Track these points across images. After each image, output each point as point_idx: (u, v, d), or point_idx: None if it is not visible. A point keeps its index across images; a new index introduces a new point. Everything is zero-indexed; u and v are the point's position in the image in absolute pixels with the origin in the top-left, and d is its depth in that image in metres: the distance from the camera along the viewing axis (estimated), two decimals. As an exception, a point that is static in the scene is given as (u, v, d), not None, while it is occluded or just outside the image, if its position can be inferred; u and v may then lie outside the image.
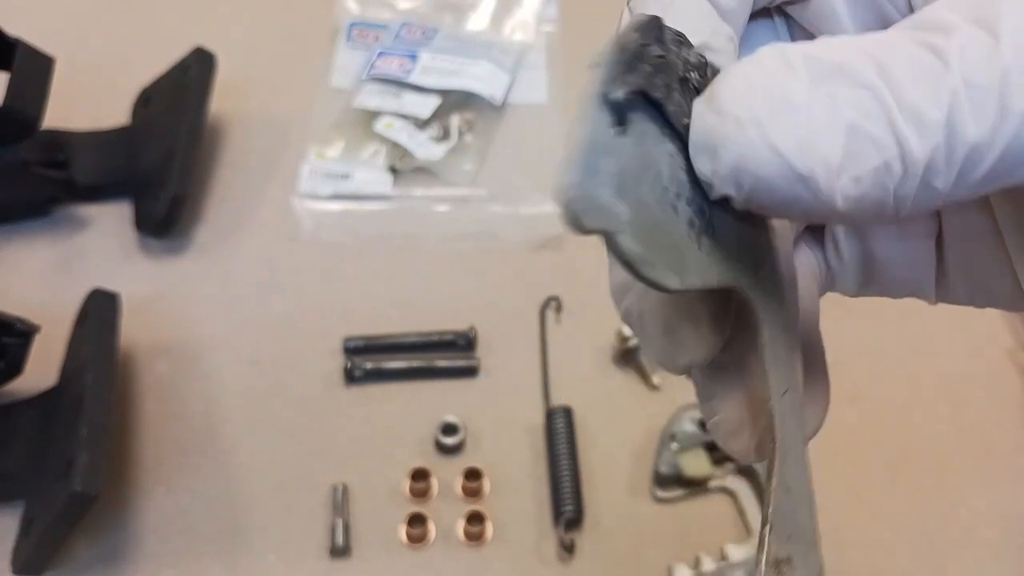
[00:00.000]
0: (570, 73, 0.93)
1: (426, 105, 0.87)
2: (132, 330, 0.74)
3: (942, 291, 0.33)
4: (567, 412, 0.71)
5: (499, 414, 0.72)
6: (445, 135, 0.87)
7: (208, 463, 0.70)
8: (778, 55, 0.25)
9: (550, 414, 0.71)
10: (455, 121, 0.87)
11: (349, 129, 0.87)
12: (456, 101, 0.89)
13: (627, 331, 0.74)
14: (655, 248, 0.24)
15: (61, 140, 0.84)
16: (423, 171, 0.85)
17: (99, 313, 0.70)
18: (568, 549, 0.66)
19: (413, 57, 0.91)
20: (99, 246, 0.82)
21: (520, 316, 0.77)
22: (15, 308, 0.70)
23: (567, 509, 0.67)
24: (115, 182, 0.84)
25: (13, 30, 0.76)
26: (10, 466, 0.67)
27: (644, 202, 0.24)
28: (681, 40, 0.26)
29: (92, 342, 0.69)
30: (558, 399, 0.72)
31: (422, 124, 0.87)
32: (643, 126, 0.25)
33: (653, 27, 0.26)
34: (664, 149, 0.25)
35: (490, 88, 0.89)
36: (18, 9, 0.92)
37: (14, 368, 0.69)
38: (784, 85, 0.24)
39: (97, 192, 0.84)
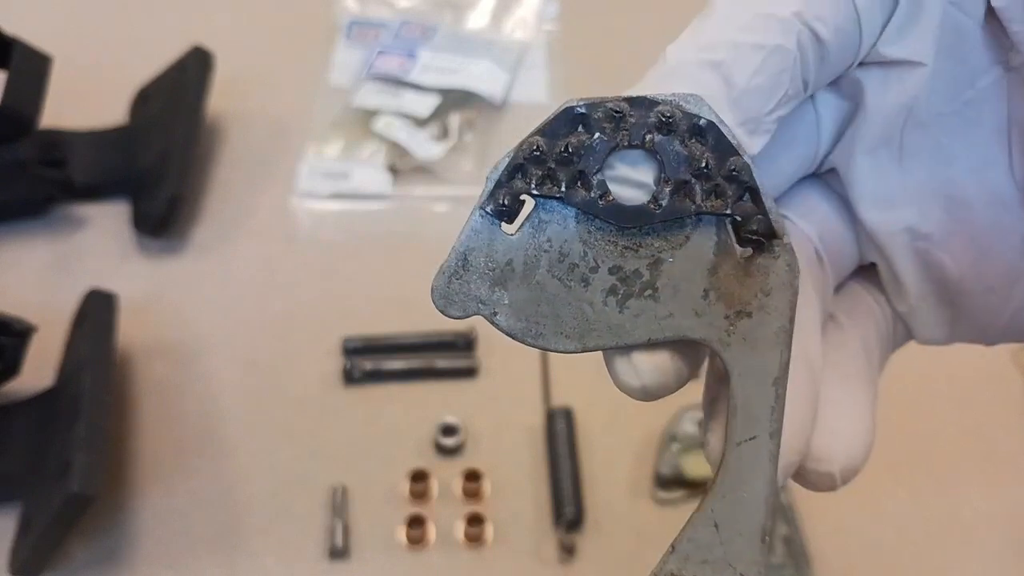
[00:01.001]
0: (570, 72, 0.93)
1: (426, 104, 0.87)
2: (130, 330, 0.74)
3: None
4: (567, 413, 0.71)
5: (499, 415, 0.72)
6: (445, 134, 0.86)
7: (206, 464, 0.70)
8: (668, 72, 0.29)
9: (550, 415, 0.71)
10: (455, 120, 0.87)
11: (348, 128, 0.87)
12: (456, 100, 0.89)
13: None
14: (547, 320, 0.29)
15: (58, 139, 0.84)
16: (422, 170, 0.85)
17: (97, 313, 0.70)
18: (568, 551, 0.66)
19: (413, 56, 0.91)
20: (96, 246, 0.81)
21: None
22: (12, 308, 0.69)
23: (567, 511, 0.67)
24: (113, 181, 0.84)
25: (10, 29, 0.76)
26: (7, 467, 0.67)
27: (537, 282, 0.29)
28: (619, 112, 0.28)
29: (90, 342, 0.68)
30: (558, 400, 0.72)
31: (422, 123, 0.87)
32: (547, 215, 0.29)
33: (565, 118, 0.28)
34: (578, 230, 0.29)
35: (490, 87, 0.89)
36: (16, 8, 0.92)
37: (11, 368, 0.68)
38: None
39: (94, 191, 0.83)
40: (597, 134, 0.28)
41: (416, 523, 0.67)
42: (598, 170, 0.28)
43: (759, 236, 0.29)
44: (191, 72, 0.85)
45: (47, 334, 0.70)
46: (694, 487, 0.68)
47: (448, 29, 0.94)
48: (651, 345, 0.29)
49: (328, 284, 0.80)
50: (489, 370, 0.75)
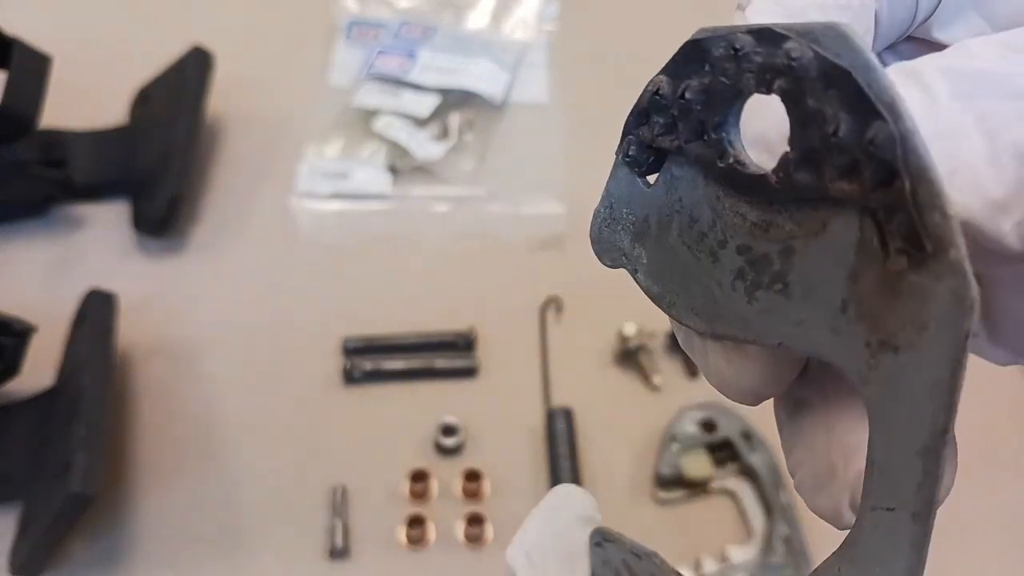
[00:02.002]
0: (571, 72, 0.92)
1: (425, 104, 0.87)
2: (130, 330, 0.73)
3: None
4: (567, 413, 0.71)
5: (499, 415, 0.72)
6: (444, 134, 0.86)
7: (206, 464, 0.70)
8: (909, 74, 0.21)
9: (550, 415, 0.71)
10: (455, 120, 0.87)
11: (348, 128, 0.87)
12: (456, 100, 0.89)
13: (628, 331, 0.73)
14: (678, 289, 0.26)
15: (58, 139, 0.83)
16: (422, 170, 0.85)
17: (96, 313, 0.70)
18: (568, 551, 0.66)
19: (412, 56, 0.91)
20: (96, 246, 0.81)
21: (520, 316, 0.77)
22: (12, 308, 0.69)
23: (567, 511, 0.66)
24: (113, 181, 0.83)
25: (11, 29, 0.76)
26: (7, 467, 0.67)
27: (670, 246, 0.25)
28: (739, 48, 0.22)
29: (89, 342, 0.68)
30: (558, 400, 0.72)
31: (421, 123, 0.87)
32: (678, 171, 0.25)
33: (689, 54, 0.23)
34: (707, 193, 0.24)
35: (490, 87, 0.89)
36: (16, 8, 0.92)
37: (11, 368, 0.68)
38: (924, 114, 0.20)
39: (94, 191, 0.83)
40: (719, 76, 0.23)
41: (416, 523, 0.67)
42: (720, 123, 0.23)
43: (907, 245, 0.20)
44: (191, 72, 0.85)
45: (47, 334, 0.70)
46: (694, 487, 0.68)
47: (448, 29, 0.94)
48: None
49: (328, 284, 0.79)
50: (489, 370, 0.75)
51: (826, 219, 0.21)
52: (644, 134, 0.25)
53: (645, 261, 0.26)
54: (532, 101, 0.91)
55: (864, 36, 0.24)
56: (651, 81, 0.25)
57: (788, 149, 0.21)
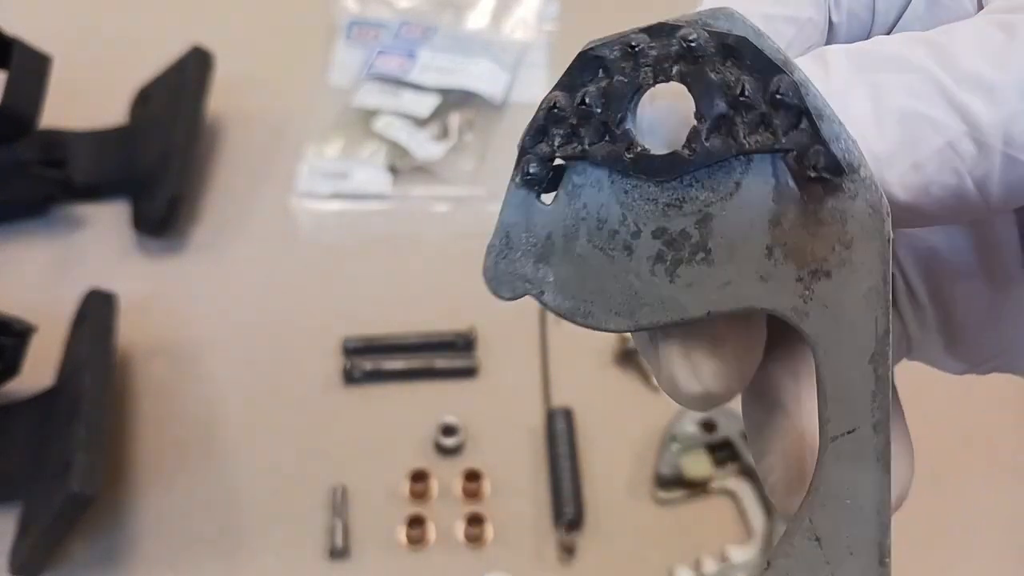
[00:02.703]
0: (570, 72, 0.92)
1: (425, 104, 0.87)
2: (130, 330, 0.73)
3: None
4: (567, 413, 0.71)
5: (499, 415, 0.72)
6: (445, 134, 0.86)
7: (206, 464, 0.70)
8: (814, 56, 0.23)
9: (550, 415, 0.71)
10: (455, 120, 0.87)
11: (348, 128, 0.87)
12: (456, 100, 0.88)
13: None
14: (594, 296, 0.25)
15: (58, 139, 0.83)
16: (422, 170, 0.85)
17: (96, 313, 0.70)
18: (568, 551, 0.66)
19: (412, 56, 0.91)
20: (96, 246, 0.81)
21: (520, 316, 0.77)
22: (12, 308, 0.69)
23: (567, 511, 0.67)
24: (113, 181, 0.83)
25: (10, 29, 0.76)
26: (7, 467, 0.67)
27: (578, 255, 0.26)
28: (634, 46, 0.24)
29: (89, 342, 0.68)
30: (558, 400, 0.72)
31: (421, 123, 0.86)
32: (579, 178, 0.26)
33: (581, 65, 0.25)
34: (614, 190, 0.25)
35: (490, 87, 0.89)
36: (16, 8, 0.92)
37: (11, 368, 0.68)
38: (818, 80, 0.22)
39: (94, 191, 0.83)
40: (616, 76, 0.24)
41: (416, 523, 0.67)
42: (622, 118, 0.24)
43: (824, 173, 0.22)
44: (191, 72, 0.84)
45: (47, 334, 0.70)
46: (694, 487, 0.68)
47: (448, 29, 0.94)
48: (709, 322, 0.24)
49: (328, 284, 0.79)
50: (489, 370, 0.74)
51: (739, 178, 0.24)
52: (543, 150, 0.26)
53: (552, 279, 0.26)
54: (532, 101, 0.89)
55: (811, 48, 0.25)
56: (544, 99, 0.26)
57: (694, 123, 0.24)
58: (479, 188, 0.84)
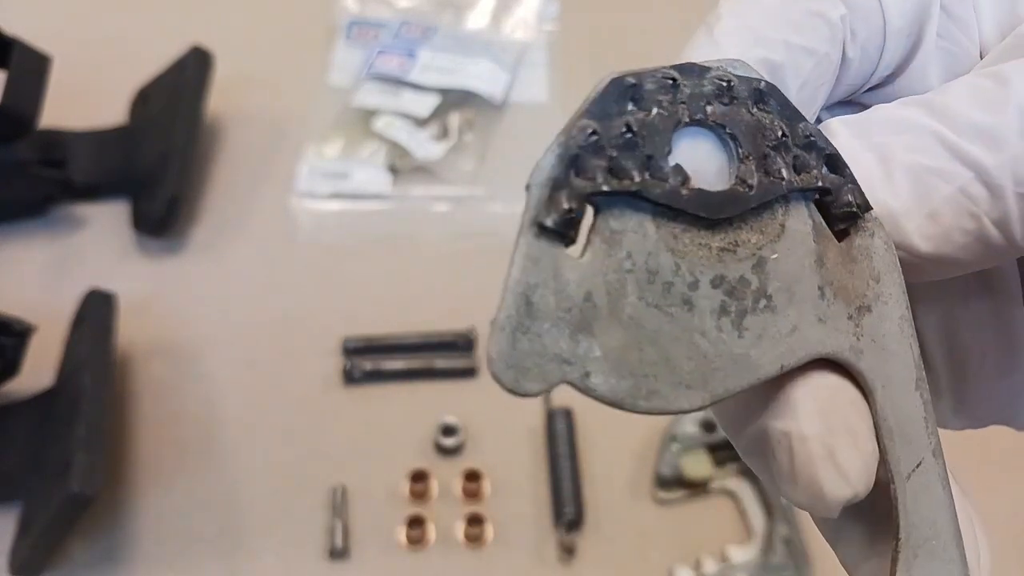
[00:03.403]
0: (571, 72, 0.92)
1: (425, 104, 0.87)
2: (129, 330, 0.73)
3: None
4: (567, 413, 0.71)
5: (499, 415, 0.72)
6: (444, 134, 0.86)
7: (206, 464, 0.70)
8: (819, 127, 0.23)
9: (550, 415, 0.71)
10: (455, 120, 0.87)
11: (348, 128, 0.87)
12: (456, 100, 0.88)
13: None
14: (657, 368, 0.21)
15: (58, 139, 0.83)
16: (422, 170, 0.85)
17: (96, 313, 0.70)
18: (569, 551, 0.66)
19: (412, 55, 0.90)
20: (96, 246, 0.81)
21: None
22: (11, 308, 0.69)
23: (567, 511, 0.67)
24: (112, 181, 0.83)
25: (10, 29, 0.76)
26: (7, 467, 0.67)
27: (629, 318, 0.21)
28: (673, 80, 0.22)
29: (89, 342, 0.68)
30: (558, 400, 0.72)
31: (421, 123, 0.86)
32: (618, 223, 0.21)
33: (615, 92, 0.22)
34: (661, 236, 0.22)
35: (490, 87, 0.89)
36: (15, 8, 0.92)
37: (11, 368, 0.68)
38: None
39: (94, 191, 0.83)
40: (655, 109, 0.22)
41: (416, 523, 0.67)
42: (668, 152, 0.22)
43: (856, 210, 0.23)
44: (191, 72, 0.84)
45: (47, 334, 0.70)
46: (694, 487, 0.68)
47: (448, 29, 0.94)
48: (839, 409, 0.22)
49: (328, 284, 0.79)
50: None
51: (783, 219, 0.23)
52: (579, 185, 0.21)
53: (599, 354, 0.21)
54: (532, 101, 0.91)
55: (823, 85, 0.25)
56: (572, 127, 0.22)
57: (739, 164, 0.22)
58: (479, 188, 0.84)
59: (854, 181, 0.23)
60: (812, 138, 0.23)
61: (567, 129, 0.22)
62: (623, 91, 0.22)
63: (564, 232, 0.21)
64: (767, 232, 0.22)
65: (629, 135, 0.21)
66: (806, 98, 0.24)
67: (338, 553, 0.66)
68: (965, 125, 0.22)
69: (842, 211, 0.23)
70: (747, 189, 0.22)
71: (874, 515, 0.24)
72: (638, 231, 0.21)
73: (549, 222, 0.21)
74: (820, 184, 0.23)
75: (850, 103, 0.27)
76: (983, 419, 0.30)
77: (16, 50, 0.75)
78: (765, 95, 0.23)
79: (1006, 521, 0.68)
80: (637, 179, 0.21)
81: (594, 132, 0.21)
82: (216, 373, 0.74)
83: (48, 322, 0.71)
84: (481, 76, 0.89)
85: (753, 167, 0.22)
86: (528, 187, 0.21)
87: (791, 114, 0.23)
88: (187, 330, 0.76)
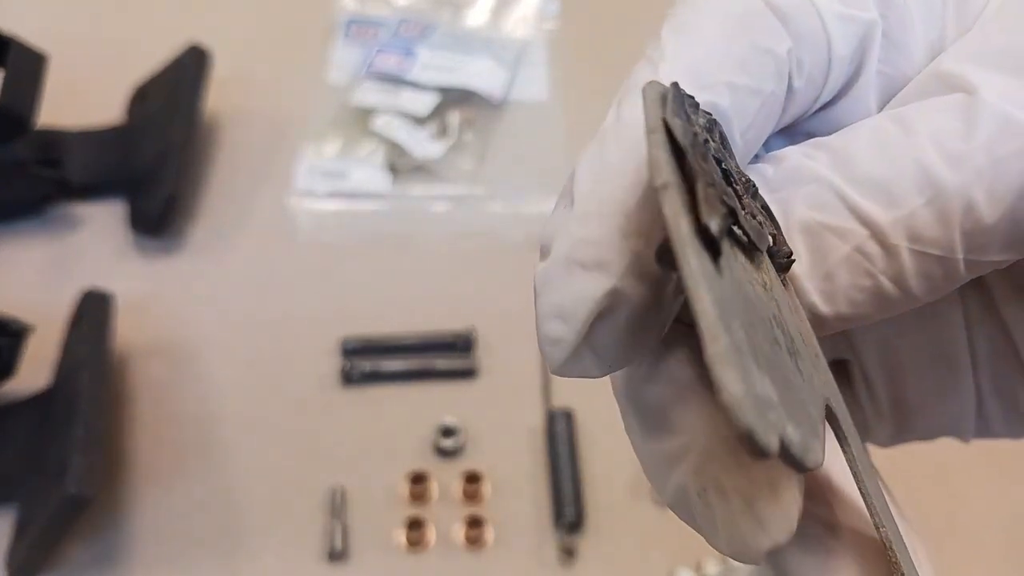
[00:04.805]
0: (571, 70, 0.92)
1: (425, 102, 0.87)
2: (127, 330, 0.73)
3: (980, 427, 0.30)
4: (568, 414, 0.70)
5: (499, 416, 0.72)
6: (444, 133, 0.86)
7: (204, 465, 0.69)
8: None
9: (551, 416, 0.70)
10: (454, 119, 0.87)
11: (346, 127, 0.87)
12: (455, 98, 0.88)
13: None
14: (799, 417, 0.18)
15: (55, 138, 0.83)
16: (422, 169, 0.84)
17: (93, 313, 0.70)
18: (569, 553, 0.66)
19: (411, 54, 0.90)
20: (93, 245, 0.81)
21: (520, 317, 0.76)
22: (8, 308, 0.69)
23: (568, 512, 0.66)
24: (109, 180, 0.83)
25: (6, 27, 0.75)
26: (4, 468, 0.67)
27: (766, 356, 0.18)
28: (695, 103, 0.21)
29: (86, 342, 0.68)
30: (558, 401, 0.72)
31: (421, 122, 0.86)
32: (725, 246, 0.19)
33: (680, 100, 0.20)
34: (739, 264, 0.19)
35: (490, 85, 0.89)
36: (11, 6, 0.92)
37: (7, 369, 0.68)
38: None
39: (91, 191, 0.83)
40: (697, 130, 0.20)
41: (415, 525, 0.66)
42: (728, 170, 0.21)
43: (791, 259, 0.22)
44: (188, 71, 0.84)
45: (43, 334, 0.70)
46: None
47: (447, 27, 0.93)
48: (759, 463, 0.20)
49: (326, 284, 0.79)
50: (489, 371, 0.74)
51: (766, 262, 0.22)
52: (716, 191, 0.18)
53: (777, 398, 0.17)
54: (532, 99, 0.90)
55: (768, 124, 0.24)
56: (671, 122, 0.19)
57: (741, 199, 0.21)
58: (479, 187, 0.83)
59: (780, 231, 0.22)
60: (754, 186, 0.22)
61: (669, 127, 0.19)
62: (683, 101, 0.20)
63: (719, 241, 0.18)
64: (767, 274, 0.21)
65: (705, 145, 0.20)
66: (751, 140, 0.24)
67: (337, 555, 0.66)
68: (863, 178, 0.22)
69: (784, 260, 0.22)
70: (760, 225, 0.21)
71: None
72: (732, 257, 0.19)
73: (714, 227, 0.18)
74: (773, 231, 0.22)
75: (787, 130, 0.26)
76: (926, 435, 0.31)
77: (12, 49, 0.74)
78: (724, 139, 0.22)
79: (1007, 522, 0.68)
80: (732, 196, 0.19)
81: (696, 134, 0.19)
82: (214, 373, 0.74)
83: (45, 322, 0.70)
84: (481, 74, 0.89)
85: (749, 204, 0.21)
86: (664, 187, 0.17)
87: (737, 158, 0.22)
88: (185, 330, 0.76)
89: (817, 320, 0.23)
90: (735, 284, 0.18)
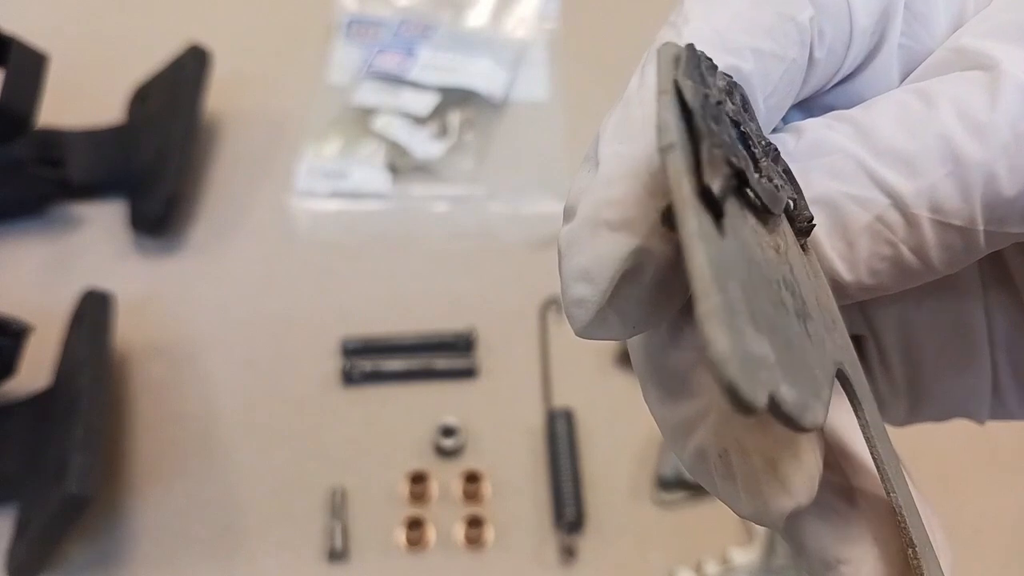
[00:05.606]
0: (571, 70, 0.92)
1: (425, 103, 0.87)
2: (127, 330, 0.73)
3: (995, 407, 0.30)
4: (568, 414, 0.70)
5: (499, 416, 0.72)
6: (444, 133, 0.86)
7: (204, 465, 0.69)
8: None
9: (551, 416, 0.70)
10: (454, 119, 0.87)
11: (347, 127, 0.87)
12: (455, 98, 0.88)
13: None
14: (799, 377, 0.18)
15: (55, 138, 0.83)
16: (422, 169, 0.84)
17: (93, 313, 0.70)
18: (569, 553, 0.66)
19: (412, 54, 0.90)
20: (94, 245, 0.81)
21: (520, 317, 0.77)
22: (8, 308, 0.69)
23: (568, 512, 0.66)
24: (110, 180, 0.83)
25: (7, 27, 0.75)
26: (4, 468, 0.67)
27: (769, 318, 0.18)
28: (713, 65, 0.21)
29: (86, 342, 0.68)
30: (559, 401, 0.72)
31: (421, 122, 0.86)
32: (731, 206, 0.19)
33: (695, 61, 0.20)
34: (749, 226, 0.19)
35: (490, 85, 0.89)
36: (12, 6, 0.92)
37: (7, 369, 0.68)
38: None
39: (92, 191, 0.83)
40: (713, 92, 0.20)
41: (415, 525, 0.66)
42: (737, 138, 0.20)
43: (813, 224, 0.22)
44: (189, 71, 0.84)
45: (44, 334, 0.70)
46: (695, 489, 0.68)
47: (448, 27, 0.93)
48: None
49: (327, 284, 0.79)
50: (489, 371, 0.74)
51: (783, 226, 0.22)
52: (718, 153, 0.18)
53: (774, 358, 0.17)
54: (532, 99, 0.90)
55: (790, 91, 0.24)
56: (682, 84, 0.19)
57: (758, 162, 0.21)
58: (479, 187, 0.83)
59: (803, 195, 0.22)
60: (776, 151, 0.22)
61: (679, 88, 0.18)
62: (698, 63, 0.20)
63: (722, 203, 0.18)
64: (784, 239, 0.21)
65: (718, 107, 0.19)
66: (774, 106, 0.24)
67: (337, 555, 0.66)
68: (886, 149, 0.22)
69: (804, 224, 0.22)
70: (776, 189, 0.21)
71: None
72: (740, 219, 0.19)
73: (716, 187, 0.17)
74: (793, 195, 0.22)
75: (806, 103, 0.26)
76: (941, 415, 0.30)
77: (13, 49, 0.74)
78: (747, 102, 0.22)
79: (1009, 522, 0.68)
80: (744, 158, 0.19)
81: (707, 96, 0.19)
82: (214, 373, 0.74)
83: (45, 322, 0.71)
84: (481, 75, 0.89)
85: (765, 167, 0.21)
86: (668, 148, 0.18)
87: (759, 123, 0.22)
88: (185, 330, 0.76)
89: (838, 287, 0.23)
90: (740, 245, 0.18)
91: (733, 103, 0.21)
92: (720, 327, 0.16)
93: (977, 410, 0.30)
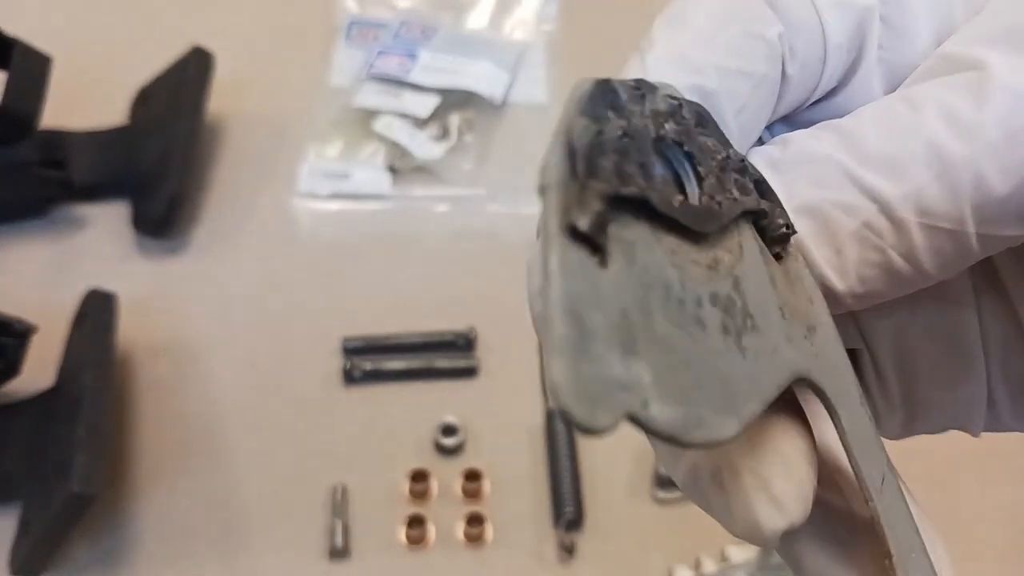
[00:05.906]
0: (570, 72, 0.92)
1: (425, 104, 0.87)
2: (130, 330, 0.73)
3: (990, 419, 0.30)
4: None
5: (499, 415, 0.72)
6: (444, 134, 0.86)
7: (206, 464, 0.70)
8: None
9: (550, 415, 0.71)
10: (455, 120, 0.87)
11: (348, 128, 0.87)
12: (456, 100, 0.88)
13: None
14: (696, 394, 0.19)
15: (59, 140, 0.83)
16: (422, 171, 0.85)
17: (97, 313, 0.70)
18: (568, 551, 0.66)
19: (413, 56, 0.91)
20: (97, 246, 0.81)
21: (520, 316, 0.76)
22: (12, 308, 0.69)
23: (567, 510, 0.67)
24: (113, 182, 0.83)
25: (10, 29, 0.76)
26: (7, 467, 0.67)
27: (662, 339, 0.19)
28: (640, 90, 0.21)
29: (90, 342, 0.68)
30: (558, 400, 0.72)
31: (421, 123, 0.87)
32: (628, 233, 0.19)
33: (602, 94, 0.21)
34: (663, 248, 0.20)
35: (490, 87, 0.89)
36: (16, 8, 0.92)
37: (11, 368, 0.68)
38: None
39: (95, 192, 0.83)
40: (633, 119, 0.21)
41: (416, 523, 0.67)
42: (654, 161, 0.21)
43: (788, 231, 0.22)
44: (191, 72, 0.84)
45: (47, 334, 0.70)
46: (694, 487, 0.68)
47: (448, 29, 0.94)
48: (772, 441, 0.21)
49: (328, 284, 0.79)
50: (489, 370, 0.74)
51: (739, 239, 0.22)
52: (599, 186, 0.18)
53: (649, 379, 0.18)
54: (532, 101, 0.91)
55: (764, 107, 0.24)
56: (576, 125, 0.19)
57: (702, 181, 0.21)
58: (479, 188, 0.84)
59: (781, 204, 0.22)
60: (744, 163, 0.22)
61: (568, 128, 0.19)
62: (607, 95, 0.21)
63: (595, 237, 0.18)
64: (732, 252, 0.21)
65: (625, 139, 0.20)
66: (747, 122, 0.24)
67: (338, 553, 0.66)
68: (870, 154, 0.22)
69: (778, 233, 0.22)
70: (718, 205, 0.21)
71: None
72: (646, 244, 0.19)
73: (583, 224, 0.18)
74: (759, 206, 0.22)
75: (790, 119, 0.26)
76: (936, 428, 0.30)
77: (17, 51, 0.75)
78: (703, 120, 0.22)
79: (1006, 521, 0.68)
80: (643, 185, 0.19)
81: (600, 132, 0.19)
82: (216, 373, 0.74)
83: (49, 322, 0.71)
84: (481, 76, 0.89)
85: (713, 184, 0.21)
86: (544, 189, 0.19)
87: (724, 139, 0.22)
88: (187, 330, 0.76)
89: (832, 296, 0.23)
90: (638, 271, 0.19)
91: (679, 123, 0.21)
92: (557, 356, 0.17)
93: (972, 423, 0.30)
